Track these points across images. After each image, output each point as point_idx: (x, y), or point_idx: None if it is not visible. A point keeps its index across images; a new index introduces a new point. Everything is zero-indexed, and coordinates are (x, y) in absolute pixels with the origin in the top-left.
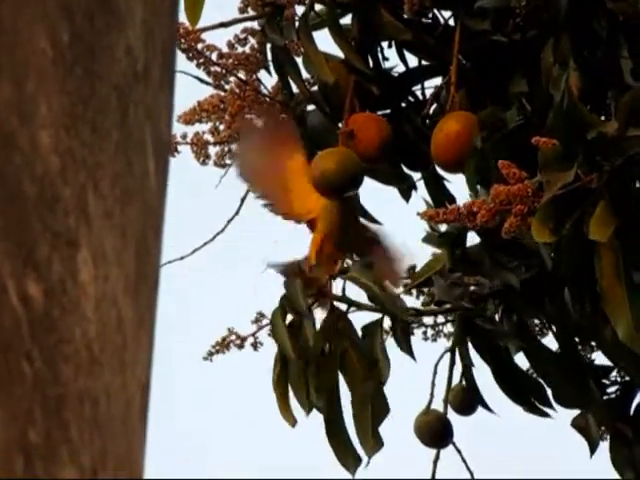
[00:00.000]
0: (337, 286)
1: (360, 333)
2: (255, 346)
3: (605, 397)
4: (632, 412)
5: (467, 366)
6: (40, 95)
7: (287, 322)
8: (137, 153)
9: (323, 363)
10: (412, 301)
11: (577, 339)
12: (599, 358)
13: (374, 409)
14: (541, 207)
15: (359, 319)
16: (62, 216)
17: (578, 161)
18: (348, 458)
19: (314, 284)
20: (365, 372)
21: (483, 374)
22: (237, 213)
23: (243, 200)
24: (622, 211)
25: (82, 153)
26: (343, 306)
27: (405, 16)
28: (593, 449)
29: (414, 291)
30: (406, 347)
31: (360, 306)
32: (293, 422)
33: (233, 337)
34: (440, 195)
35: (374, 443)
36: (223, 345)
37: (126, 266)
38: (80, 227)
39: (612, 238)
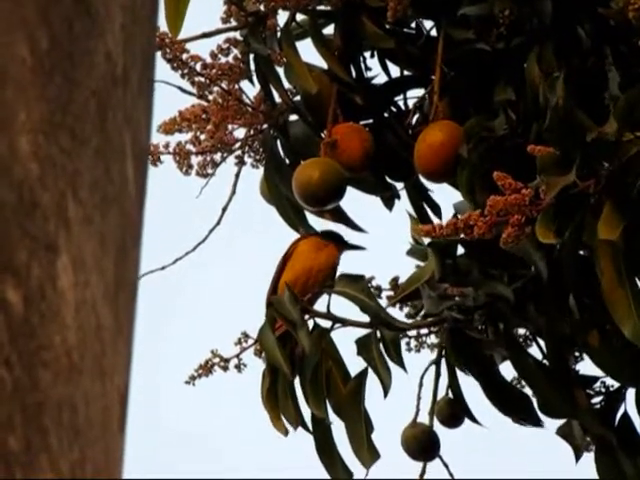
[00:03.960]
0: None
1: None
2: (239, 368)
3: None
4: (617, 422)
5: (454, 378)
6: (19, 102)
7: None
8: (116, 159)
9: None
10: (395, 313)
11: (563, 349)
12: (583, 369)
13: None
14: (543, 210)
15: (350, 332)
16: (41, 222)
17: (576, 164)
18: (339, 473)
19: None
20: (350, 388)
21: (468, 385)
22: (218, 223)
23: (224, 210)
24: (626, 212)
25: (61, 159)
26: (327, 323)
27: (387, 26)
28: (578, 456)
29: (397, 303)
30: (397, 359)
31: (345, 322)
32: (285, 432)
33: (217, 359)
34: (422, 204)
35: (370, 454)
36: (206, 368)
37: (105, 273)
38: (59, 233)
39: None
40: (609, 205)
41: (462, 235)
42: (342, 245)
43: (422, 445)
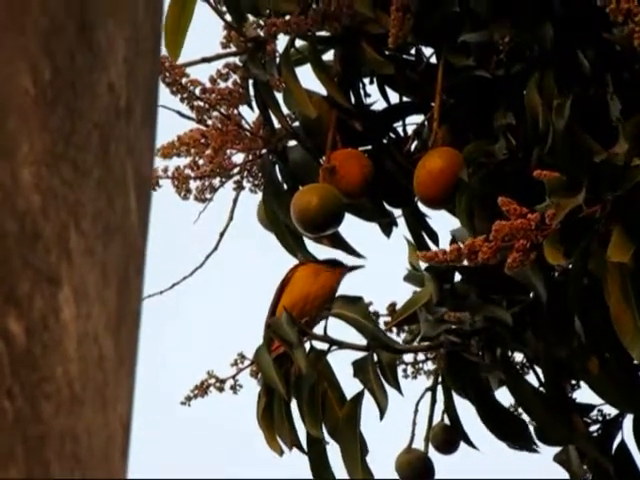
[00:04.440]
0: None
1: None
2: (235, 389)
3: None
4: (614, 450)
5: (451, 402)
6: (22, 133)
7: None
8: (118, 190)
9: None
10: (393, 338)
11: (561, 375)
12: (580, 397)
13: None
14: (551, 233)
15: (347, 355)
16: (43, 253)
17: (585, 186)
18: None
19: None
20: (345, 411)
21: (464, 409)
22: (216, 248)
23: (222, 235)
24: (635, 236)
25: (63, 191)
26: (323, 346)
27: (387, 52)
28: None
29: (394, 328)
30: (393, 382)
31: (342, 345)
32: (280, 452)
33: (212, 380)
34: (420, 231)
35: (364, 477)
36: (202, 389)
37: (107, 304)
38: (61, 264)
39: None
40: (619, 229)
41: (465, 261)
42: (342, 269)
43: (416, 471)
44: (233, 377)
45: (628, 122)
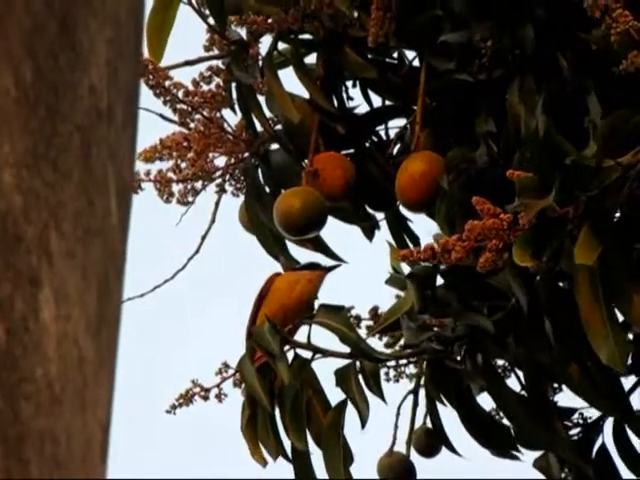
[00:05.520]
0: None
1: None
2: (220, 397)
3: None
4: (594, 454)
5: (433, 407)
6: (3, 134)
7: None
8: (99, 192)
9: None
10: (374, 342)
11: (542, 380)
12: (561, 401)
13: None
14: (522, 233)
15: (332, 362)
16: (24, 255)
17: (555, 187)
18: None
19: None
20: (329, 419)
21: (446, 414)
22: (197, 251)
23: (204, 238)
24: (604, 237)
25: (44, 192)
26: (307, 353)
27: (370, 56)
28: None
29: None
30: (377, 390)
31: (326, 353)
32: (264, 463)
33: (197, 389)
34: (402, 234)
35: None
36: (187, 398)
37: (88, 306)
38: (42, 266)
39: (593, 264)
40: (586, 230)
41: (440, 260)
42: (321, 271)
43: (397, 475)
44: (217, 386)
45: (601, 123)
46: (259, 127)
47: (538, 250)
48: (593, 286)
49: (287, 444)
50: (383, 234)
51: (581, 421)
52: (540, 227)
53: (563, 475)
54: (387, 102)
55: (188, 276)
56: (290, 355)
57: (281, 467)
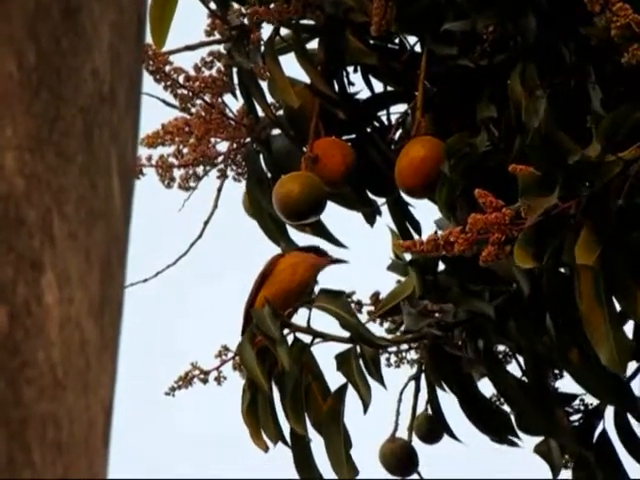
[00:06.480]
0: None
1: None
2: (219, 380)
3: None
4: (595, 439)
5: (434, 394)
6: (5, 117)
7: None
8: (102, 176)
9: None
10: (375, 328)
11: (543, 366)
12: (562, 387)
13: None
14: (523, 233)
15: (330, 347)
16: (27, 238)
17: (559, 185)
18: None
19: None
20: (329, 404)
21: (447, 401)
22: (200, 236)
23: (206, 223)
24: (604, 236)
25: (47, 175)
26: (307, 338)
27: (371, 41)
28: (556, 475)
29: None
30: (377, 375)
31: (326, 337)
32: (265, 448)
33: (196, 372)
34: (404, 220)
35: (349, 471)
36: (186, 380)
37: (90, 289)
38: (45, 249)
39: (595, 262)
40: (587, 229)
41: (442, 252)
42: (324, 258)
43: (400, 460)
44: (217, 369)
45: (602, 121)
46: (260, 112)
47: (541, 248)
48: (595, 285)
49: (287, 431)
50: (385, 219)
51: (582, 407)
52: (543, 224)
53: (564, 461)
54: (388, 88)
55: (190, 261)
56: (289, 339)
57: (281, 468)
